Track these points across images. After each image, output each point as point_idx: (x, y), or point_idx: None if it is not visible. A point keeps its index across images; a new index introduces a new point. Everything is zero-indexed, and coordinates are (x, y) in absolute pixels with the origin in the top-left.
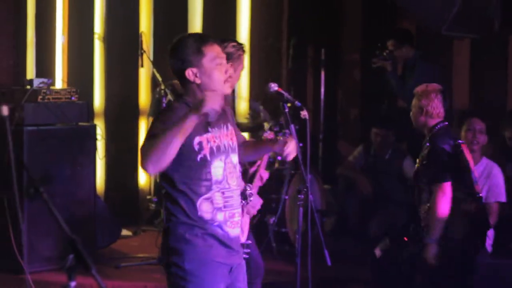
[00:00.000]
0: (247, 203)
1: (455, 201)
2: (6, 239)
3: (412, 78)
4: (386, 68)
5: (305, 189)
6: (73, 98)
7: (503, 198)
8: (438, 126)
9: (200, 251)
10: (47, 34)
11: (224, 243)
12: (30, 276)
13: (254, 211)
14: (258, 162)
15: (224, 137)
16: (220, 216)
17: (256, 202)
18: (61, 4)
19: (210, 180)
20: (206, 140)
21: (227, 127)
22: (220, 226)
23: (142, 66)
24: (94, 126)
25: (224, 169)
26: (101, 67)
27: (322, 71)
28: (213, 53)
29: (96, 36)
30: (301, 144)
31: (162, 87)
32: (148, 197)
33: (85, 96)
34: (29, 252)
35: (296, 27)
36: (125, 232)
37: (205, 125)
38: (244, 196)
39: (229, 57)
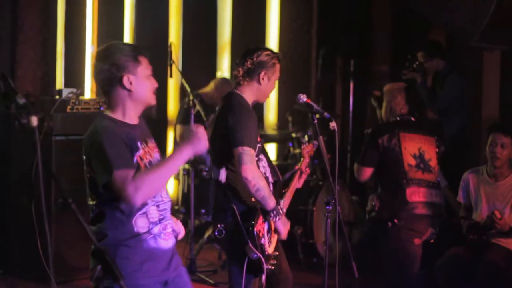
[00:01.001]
0: (278, 219)
1: None
2: (34, 248)
3: (442, 90)
4: (416, 79)
5: (333, 201)
6: (102, 108)
7: None
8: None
9: (133, 268)
10: (76, 44)
11: (159, 256)
12: (58, 286)
13: (283, 229)
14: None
15: (153, 151)
16: (155, 229)
17: (286, 222)
18: (90, 14)
19: None
20: (140, 158)
21: (151, 141)
22: (154, 239)
23: (171, 76)
24: None
25: None
26: None
27: (351, 82)
28: (146, 63)
29: None
30: (329, 156)
31: (191, 97)
32: (176, 207)
33: None
34: (57, 262)
35: (325, 38)
36: None
37: (135, 142)
38: (276, 212)
39: (263, 66)
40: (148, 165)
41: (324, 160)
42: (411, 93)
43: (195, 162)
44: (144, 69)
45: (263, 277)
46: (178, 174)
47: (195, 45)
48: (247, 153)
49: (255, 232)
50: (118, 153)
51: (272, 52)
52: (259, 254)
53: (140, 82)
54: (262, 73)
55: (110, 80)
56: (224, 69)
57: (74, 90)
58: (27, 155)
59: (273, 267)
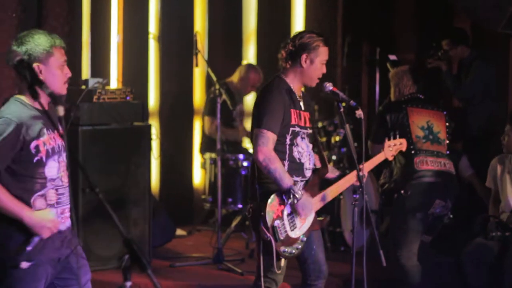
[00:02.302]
0: (297, 201)
1: None
2: None
3: (468, 78)
4: (441, 68)
5: (360, 189)
6: (128, 98)
7: None
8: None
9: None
10: (102, 34)
11: (55, 236)
12: None
13: (302, 212)
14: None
15: (58, 138)
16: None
17: (306, 204)
18: (116, 4)
19: (45, 178)
20: (43, 143)
21: (57, 129)
22: None
23: (196, 65)
24: (149, 126)
25: (58, 168)
26: (156, 66)
27: (377, 70)
28: (59, 54)
29: (151, 36)
30: (356, 144)
31: (217, 86)
32: (203, 196)
33: (140, 96)
34: (84, 252)
35: (350, 25)
36: (179, 231)
37: (41, 129)
38: (290, 195)
39: (305, 48)
40: (51, 151)
41: (351, 148)
42: (418, 73)
43: (222, 151)
44: (56, 59)
45: (282, 261)
46: (205, 163)
47: (221, 34)
48: (263, 135)
49: (266, 213)
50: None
51: (316, 34)
52: (269, 235)
53: (51, 72)
54: (304, 56)
55: (22, 66)
56: (249, 57)
57: (100, 80)
58: None
59: (294, 252)
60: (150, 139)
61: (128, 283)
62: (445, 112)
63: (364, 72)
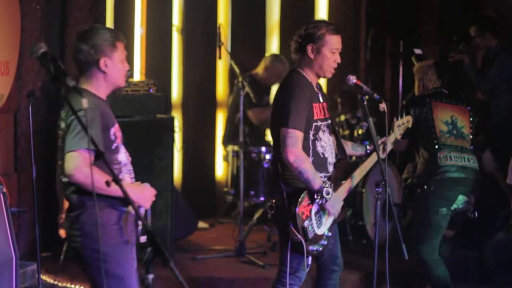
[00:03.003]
0: (326, 201)
1: None
2: None
3: (492, 70)
4: (464, 61)
5: (383, 182)
6: (151, 90)
7: None
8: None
9: (112, 233)
10: (125, 26)
11: (133, 219)
12: None
13: (332, 211)
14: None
15: (119, 128)
16: None
17: (335, 202)
18: None
19: (119, 163)
20: (117, 130)
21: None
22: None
23: (220, 58)
24: (172, 118)
25: (125, 153)
26: (179, 59)
27: (401, 63)
28: (122, 48)
29: (174, 28)
30: (379, 137)
31: (240, 79)
32: (225, 189)
33: (163, 88)
34: None
35: (374, 18)
36: (202, 224)
37: (112, 117)
38: (321, 195)
39: (309, 39)
40: (121, 142)
41: (374, 142)
42: (442, 67)
43: (244, 144)
44: (119, 54)
45: (309, 258)
46: (227, 156)
47: (244, 26)
48: (291, 136)
49: (297, 214)
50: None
51: (322, 23)
52: (300, 237)
53: (115, 66)
54: (309, 47)
55: (88, 60)
56: (273, 50)
57: None
58: None
59: (320, 249)
60: (173, 131)
61: (151, 276)
62: (469, 107)
63: (387, 65)
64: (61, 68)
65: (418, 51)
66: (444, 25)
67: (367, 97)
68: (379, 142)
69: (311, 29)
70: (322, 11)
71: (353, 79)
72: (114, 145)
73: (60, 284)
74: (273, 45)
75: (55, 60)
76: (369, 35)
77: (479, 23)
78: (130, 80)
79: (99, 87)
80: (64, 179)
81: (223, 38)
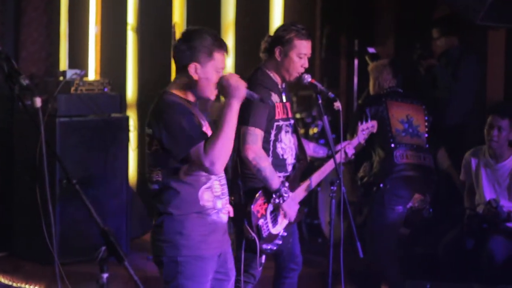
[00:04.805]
0: (283, 201)
1: None
2: (38, 230)
3: (460, 70)
4: (433, 64)
5: (338, 181)
6: (106, 89)
7: None
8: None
9: (194, 243)
10: (80, 25)
11: (219, 230)
12: (62, 267)
13: (288, 211)
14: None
15: (209, 129)
16: (219, 204)
17: (292, 203)
18: None
19: None
20: (207, 131)
21: (206, 119)
22: (217, 214)
23: None
24: (127, 118)
25: None
26: (134, 58)
27: (356, 61)
28: (220, 60)
29: (129, 27)
30: (334, 136)
31: None
32: None
33: (118, 88)
34: (61, 243)
35: (329, 17)
36: None
37: (199, 121)
38: (279, 194)
39: (278, 41)
40: None
41: (329, 140)
42: (397, 67)
43: None
44: (215, 63)
45: (263, 257)
46: None
47: (199, 25)
48: (251, 133)
49: (252, 212)
50: (191, 127)
51: (293, 27)
52: (254, 234)
53: (205, 75)
54: (277, 49)
55: (181, 61)
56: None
57: (78, 71)
58: (31, 137)
59: (275, 248)
60: (127, 130)
61: (105, 275)
62: (424, 106)
63: (342, 64)
64: (15, 67)
65: (371, 49)
66: (400, 24)
67: (322, 95)
68: (342, 146)
69: (280, 32)
70: (277, 10)
71: (308, 77)
72: None
73: (15, 284)
74: (228, 44)
75: (9, 59)
76: (324, 34)
77: (443, 23)
78: (85, 79)
79: (187, 92)
80: (153, 186)
81: (178, 37)
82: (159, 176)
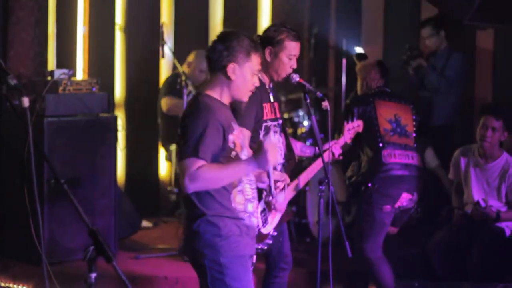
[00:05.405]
0: (273, 198)
1: None
2: (27, 230)
3: (451, 69)
4: (422, 64)
5: (326, 181)
6: (94, 89)
7: None
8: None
9: (233, 244)
10: (68, 25)
11: (251, 233)
12: (50, 267)
13: (279, 208)
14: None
15: (240, 133)
16: (250, 207)
17: (281, 201)
18: None
19: None
20: (236, 137)
21: (237, 123)
22: (249, 217)
23: (163, 57)
24: (115, 117)
25: None
26: (122, 58)
27: (344, 61)
28: (257, 62)
29: (117, 27)
30: (322, 135)
31: (183, 78)
32: (169, 188)
33: (106, 87)
34: (50, 243)
35: (317, 17)
36: (145, 223)
37: (231, 124)
38: (268, 191)
39: (269, 42)
40: (242, 145)
41: (317, 140)
42: (384, 67)
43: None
44: (252, 65)
45: (254, 257)
46: (170, 155)
47: (187, 25)
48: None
49: None
50: (207, 142)
51: (284, 28)
52: None
53: (242, 76)
54: (267, 49)
55: (216, 62)
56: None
57: (66, 71)
58: (19, 137)
59: (266, 247)
60: (116, 130)
61: (93, 275)
62: (411, 105)
63: (330, 64)
64: (2, 67)
65: (359, 49)
66: (388, 24)
67: (310, 95)
68: (328, 145)
69: (271, 32)
70: (265, 10)
71: (296, 77)
72: (233, 153)
73: (3, 284)
74: None
75: None
76: (313, 34)
77: (436, 23)
78: (73, 79)
79: (222, 93)
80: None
81: (166, 37)
82: None
